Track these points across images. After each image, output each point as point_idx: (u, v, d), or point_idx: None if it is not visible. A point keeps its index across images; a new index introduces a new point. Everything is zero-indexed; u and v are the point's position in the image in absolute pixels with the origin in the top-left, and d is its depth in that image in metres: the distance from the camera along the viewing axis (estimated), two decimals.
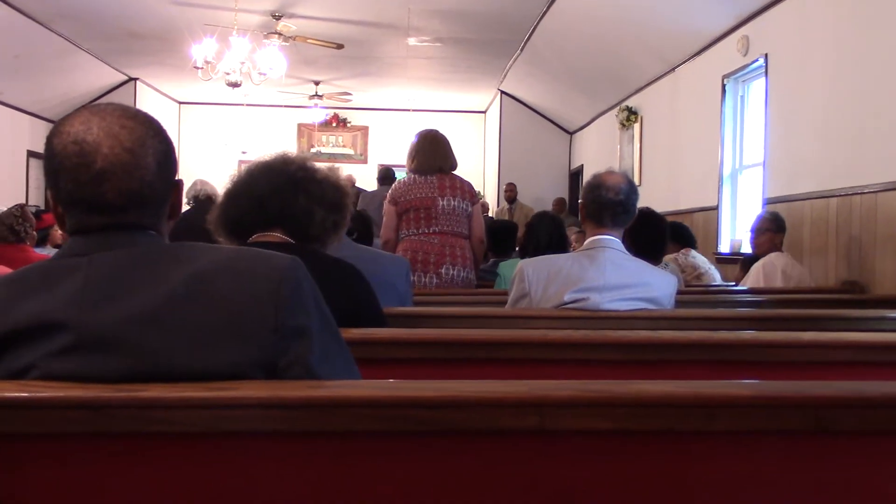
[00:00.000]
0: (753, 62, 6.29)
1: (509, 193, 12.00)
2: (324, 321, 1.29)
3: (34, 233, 5.00)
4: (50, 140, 1.25)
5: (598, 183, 2.80)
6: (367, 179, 12.06)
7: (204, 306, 1.19)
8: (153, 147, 1.26)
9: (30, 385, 1.14)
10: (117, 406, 1.12)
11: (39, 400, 1.11)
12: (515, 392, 1.19)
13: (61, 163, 1.23)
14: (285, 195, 2.03)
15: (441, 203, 4.29)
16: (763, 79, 6.10)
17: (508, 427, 1.18)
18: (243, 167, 2.18)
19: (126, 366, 1.15)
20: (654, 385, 1.22)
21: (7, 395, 1.11)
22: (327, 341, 1.28)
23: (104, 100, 12.25)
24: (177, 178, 1.33)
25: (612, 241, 2.74)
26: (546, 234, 4.35)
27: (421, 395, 1.17)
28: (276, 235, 2.03)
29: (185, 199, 6.82)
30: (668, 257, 4.93)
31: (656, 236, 4.28)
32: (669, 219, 5.58)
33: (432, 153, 4.39)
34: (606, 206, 2.75)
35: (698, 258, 5.13)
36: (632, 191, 2.82)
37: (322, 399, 1.16)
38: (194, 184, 6.61)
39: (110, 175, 1.21)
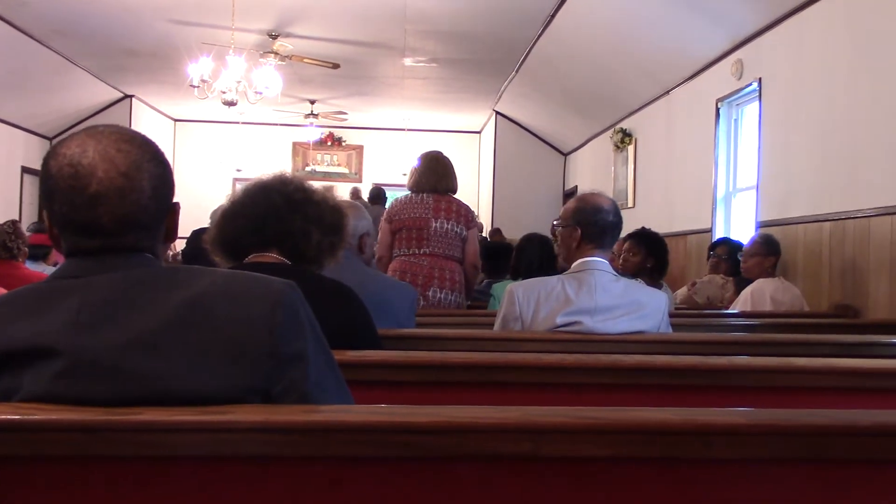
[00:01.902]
0: (747, 86, 6.33)
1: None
2: (319, 346, 1.29)
3: (27, 249, 4.97)
4: (46, 162, 1.25)
5: (597, 207, 2.81)
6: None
7: (199, 331, 1.18)
8: (149, 171, 1.26)
9: (23, 407, 1.13)
10: (111, 430, 1.11)
11: (32, 423, 1.11)
12: (509, 418, 1.19)
13: (56, 185, 1.23)
14: (282, 216, 2.03)
15: (434, 224, 4.29)
16: (757, 102, 6.13)
17: (502, 453, 1.18)
18: (241, 187, 2.17)
19: (120, 390, 1.15)
20: (649, 412, 1.22)
21: None
22: (322, 366, 1.28)
23: (100, 117, 12.29)
24: (174, 201, 1.33)
25: (600, 263, 2.75)
26: (537, 255, 4.36)
27: (415, 420, 1.17)
28: (272, 256, 2.02)
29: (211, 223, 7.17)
30: (715, 278, 4.89)
31: (665, 256, 4.34)
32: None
33: (429, 173, 4.40)
34: (608, 228, 2.78)
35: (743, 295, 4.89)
36: (620, 212, 2.89)
37: (317, 424, 1.15)
38: (217, 209, 7.10)
39: (104, 199, 1.21)
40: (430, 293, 4.22)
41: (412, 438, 1.16)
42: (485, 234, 12.41)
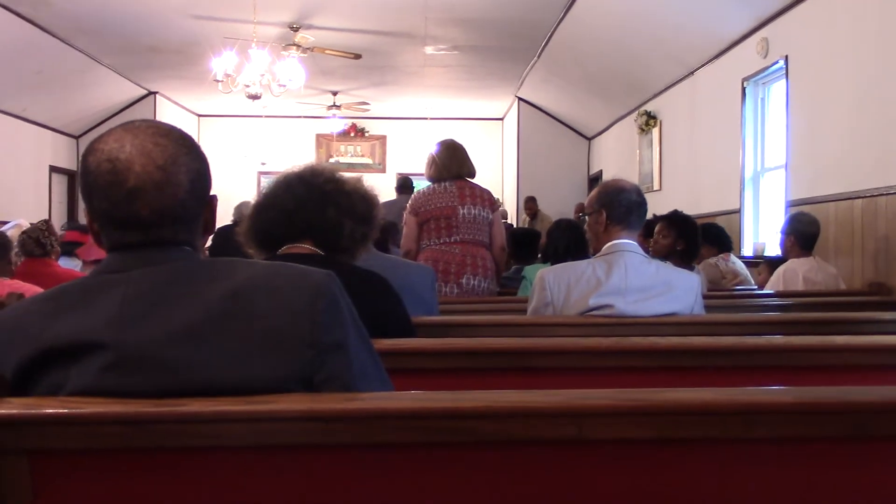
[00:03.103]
0: (773, 64, 6.26)
1: (530, 210, 11.89)
2: (359, 335, 1.29)
3: (59, 247, 5.03)
4: (85, 158, 1.26)
5: (620, 188, 2.85)
6: (385, 188, 12.08)
7: (241, 322, 1.19)
8: (186, 164, 1.26)
9: (70, 401, 1.15)
10: (157, 421, 1.12)
11: (80, 416, 1.12)
12: (552, 402, 1.18)
13: (95, 181, 1.24)
14: (315, 207, 2.04)
15: (462, 211, 4.30)
16: (784, 81, 6.07)
17: (546, 437, 1.17)
18: (273, 179, 2.18)
19: (165, 382, 1.16)
20: (693, 393, 1.21)
21: (48, 410, 1.12)
22: (363, 355, 1.29)
23: (124, 114, 12.38)
24: (211, 193, 1.33)
25: (630, 245, 2.77)
26: (564, 240, 4.36)
27: (459, 405, 1.17)
28: (306, 247, 2.03)
29: (232, 218, 7.49)
30: (708, 262, 4.89)
31: (697, 238, 4.32)
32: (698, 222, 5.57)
33: (449, 160, 4.41)
34: (633, 207, 2.81)
35: (737, 263, 5.05)
36: (643, 194, 2.93)
37: (360, 411, 1.15)
38: (240, 205, 7.66)
39: (142, 193, 1.22)
40: (464, 280, 4.24)
41: (456, 424, 1.15)
42: (511, 217, 12.41)
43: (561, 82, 11.32)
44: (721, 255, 4.99)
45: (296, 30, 9.11)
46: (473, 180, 4.50)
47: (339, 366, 1.23)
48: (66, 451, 1.14)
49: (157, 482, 1.15)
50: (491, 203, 4.44)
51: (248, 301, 1.21)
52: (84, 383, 1.16)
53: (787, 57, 5.98)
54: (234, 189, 12.00)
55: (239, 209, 7.57)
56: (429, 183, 4.48)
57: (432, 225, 4.33)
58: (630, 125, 10.35)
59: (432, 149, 4.54)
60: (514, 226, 11.45)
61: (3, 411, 1.11)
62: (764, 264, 5.12)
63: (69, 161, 12.32)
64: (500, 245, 4.48)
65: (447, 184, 4.36)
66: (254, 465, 1.16)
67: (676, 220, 4.42)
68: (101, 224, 1.27)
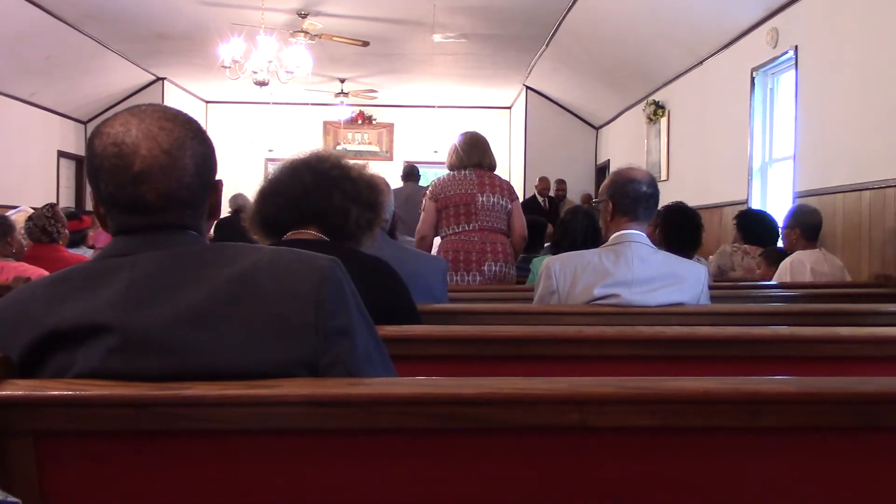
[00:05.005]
0: (783, 54, 6.23)
1: (561, 191, 11.85)
2: (363, 320, 1.29)
3: (66, 232, 5.03)
4: (91, 141, 1.26)
5: (629, 178, 2.83)
6: (392, 177, 12.06)
7: (246, 307, 1.19)
8: (192, 149, 1.26)
9: (75, 383, 1.15)
10: (161, 404, 1.13)
11: (85, 398, 1.12)
12: (556, 389, 1.18)
13: (101, 164, 1.24)
14: (320, 193, 2.03)
15: (481, 199, 4.34)
16: (793, 71, 6.04)
17: (549, 424, 1.17)
18: (278, 165, 2.18)
19: (170, 366, 1.16)
20: (697, 381, 1.21)
21: (53, 393, 1.13)
22: (367, 341, 1.29)
23: (132, 100, 12.39)
24: (216, 178, 1.33)
25: (637, 235, 2.75)
26: (582, 229, 4.33)
27: (463, 392, 1.17)
28: (311, 233, 2.03)
29: (229, 210, 7.56)
30: (724, 250, 4.78)
31: (690, 229, 4.25)
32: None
33: (470, 150, 4.45)
34: (641, 199, 2.78)
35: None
36: (656, 184, 2.90)
37: (364, 396, 1.16)
38: (235, 196, 7.81)
39: (148, 177, 1.22)
40: (486, 267, 4.29)
41: (458, 410, 1.16)
42: (521, 191, 12.34)
43: (569, 71, 11.28)
44: (745, 246, 4.89)
45: (304, 16, 9.10)
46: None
47: (343, 351, 1.23)
48: (71, 433, 1.14)
49: (161, 465, 1.16)
50: (510, 193, 4.48)
51: (253, 285, 1.21)
52: (89, 366, 1.16)
53: (796, 47, 5.95)
54: (240, 176, 11.98)
55: (235, 200, 7.63)
56: (447, 171, 4.52)
57: (451, 212, 4.36)
58: (638, 115, 10.32)
59: (452, 140, 4.58)
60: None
61: (8, 393, 1.12)
62: (762, 258, 4.99)
63: (77, 146, 12.34)
64: (520, 234, 4.51)
65: (467, 172, 4.40)
66: (257, 449, 1.16)
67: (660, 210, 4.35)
68: (107, 208, 1.27)
